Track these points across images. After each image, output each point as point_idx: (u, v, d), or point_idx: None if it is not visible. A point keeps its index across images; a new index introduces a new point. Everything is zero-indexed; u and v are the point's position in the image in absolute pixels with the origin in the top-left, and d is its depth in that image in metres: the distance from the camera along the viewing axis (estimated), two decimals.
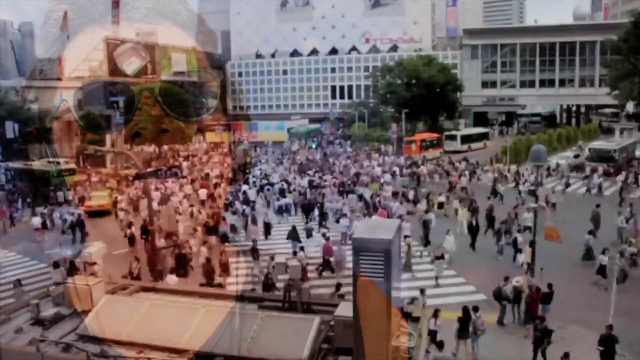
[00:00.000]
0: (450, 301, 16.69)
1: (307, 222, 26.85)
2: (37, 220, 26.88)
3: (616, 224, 23.18)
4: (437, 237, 23.32)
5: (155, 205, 27.90)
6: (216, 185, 34.83)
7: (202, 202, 31.35)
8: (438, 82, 62.30)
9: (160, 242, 21.19)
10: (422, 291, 14.78)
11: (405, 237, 21.66)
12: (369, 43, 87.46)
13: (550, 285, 15.86)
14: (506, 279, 16.06)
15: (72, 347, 7.74)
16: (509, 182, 37.00)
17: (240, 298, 9.47)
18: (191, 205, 28.88)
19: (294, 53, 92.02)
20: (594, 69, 70.84)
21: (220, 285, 16.28)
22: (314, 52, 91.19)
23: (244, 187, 34.64)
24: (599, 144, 45.78)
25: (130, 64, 61.67)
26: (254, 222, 25.96)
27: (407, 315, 8.38)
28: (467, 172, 39.76)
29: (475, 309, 14.25)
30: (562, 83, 73.76)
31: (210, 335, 7.60)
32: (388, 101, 66.66)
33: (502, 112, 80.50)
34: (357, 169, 42.12)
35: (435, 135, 56.85)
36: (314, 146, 61.95)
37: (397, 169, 42.42)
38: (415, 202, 30.30)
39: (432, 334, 12.65)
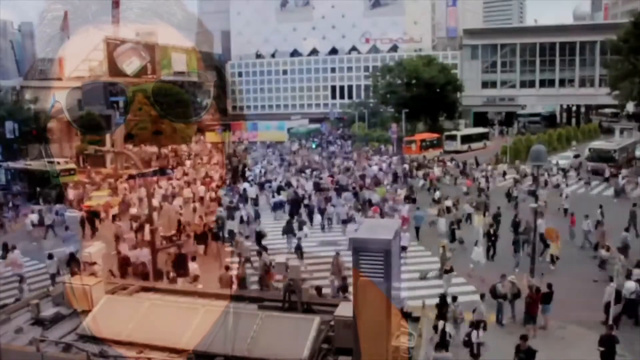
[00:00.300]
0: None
1: (291, 220, 25.26)
2: (34, 217, 27.32)
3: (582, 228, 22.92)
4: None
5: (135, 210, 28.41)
6: (209, 187, 34.53)
7: (201, 199, 31.96)
8: (438, 82, 62.33)
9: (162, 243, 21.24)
10: (454, 298, 15.00)
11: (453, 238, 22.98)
12: (369, 43, 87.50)
13: (550, 285, 15.85)
14: (503, 276, 16.07)
15: (72, 347, 7.73)
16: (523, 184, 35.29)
17: (240, 298, 9.46)
18: (194, 209, 29.06)
19: (294, 53, 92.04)
20: (594, 69, 70.87)
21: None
22: (314, 52, 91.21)
23: (245, 185, 35.18)
24: (599, 143, 45.75)
25: (129, 64, 61.74)
26: (258, 217, 26.67)
27: (407, 315, 8.38)
28: (483, 175, 38.06)
29: (454, 298, 14.90)
30: (562, 83, 73.80)
31: (210, 335, 7.60)
32: (388, 101, 66.71)
33: (500, 113, 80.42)
34: (360, 170, 41.08)
35: (435, 135, 56.88)
36: (314, 146, 61.98)
37: (400, 170, 41.28)
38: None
39: (470, 345, 12.79)
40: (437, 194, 31.50)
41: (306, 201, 30.28)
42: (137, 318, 8.21)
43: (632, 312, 15.34)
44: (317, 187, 34.29)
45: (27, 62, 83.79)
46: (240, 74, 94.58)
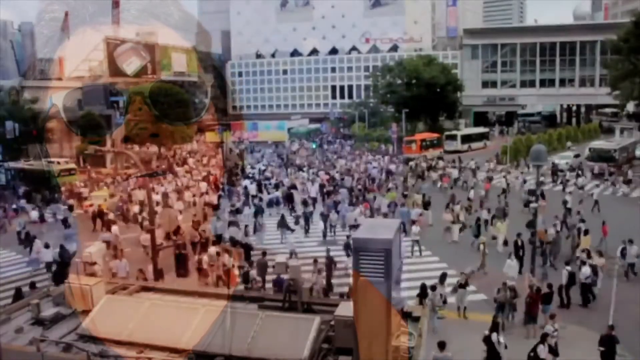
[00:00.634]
0: (450, 300, 16.65)
1: (283, 217, 26.14)
2: (35, 214, 28.93)
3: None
4: (457, 252, 21.88)
5: (137, 209, 28.46)
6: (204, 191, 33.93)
7: (194, 204, 31.89)
8: (438, 82, 62.28)
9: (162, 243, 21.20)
10: (433, 288, 15.08)
11: (476, 236, 22.29)
12: (369, 43, 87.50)
13: (550, 286, 15.87)
14: (504, 284, 15.55)
15: (73, 347, 7.74)
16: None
17: (241, 298, 9.46)
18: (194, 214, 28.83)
19: (294, 53, 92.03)
20: (594, 69, 70.84)
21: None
22: (314, 52, 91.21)
23: (245, 182, 36.27)
24: (599, 143, 45.75)
25: (129, 64, 61.82)
26: (261, 212, 27.47)
27: (407, 315, 8.38)
28: (503, 176, 36.13)
29: (433, 288, 15.25)
30: (562, 83, 73.77)
31: (211, 335, 7.60)
32: (388, 101, 66.69)
33: (497, 113, 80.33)
34: (362, 172, 40.20)
35: (436, 135, 56.84)
36: (314, 146, 62.02)
37: (404, 170, 40.45)
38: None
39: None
40: (457, 200, 28.41)
41: (310, 208, 28.53)
42: (137, 318, 8.21)
43: (585, 296, 16.94)
44: (324, 191, 32.65)
45: (27, 62, 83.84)
46: (240, 74, 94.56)
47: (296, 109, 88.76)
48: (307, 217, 26.61)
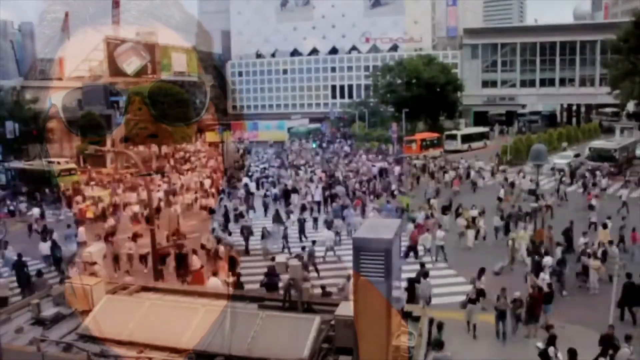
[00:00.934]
0: (450, 300, 16.66)
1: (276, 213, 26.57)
2: (36, 211, 29.73)
3: None
4: (469, 259, 20.80)
5: (137, 208, 28.45)
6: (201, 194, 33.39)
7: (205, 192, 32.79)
8: (438, 81, 62.29)
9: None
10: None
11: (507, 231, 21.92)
12: (369, 42, 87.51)
13: (550, 285, 15.87)
14: (503, 290, 15.01)
15: (73, 347, 7.74)
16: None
17: (241, 298, 9.46)
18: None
19: (294, 53, 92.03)
20: (594, 69, 70.82)
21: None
22: (314, 51, 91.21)
23: (245, 180, 36.91)
24: (600, 143, 45.69)
25: (129, 64, 61.82)
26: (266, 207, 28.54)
27: (407, 315, 8.38)
28: (521, 179, 34.29)
29: (425, 274, 15.82)
30: (562, 82, 73.74)
31: (211, 335, 7.61)
32: (388, 101, 66.68)
33: (491, 112, 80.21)
34: (367, 174, 38.99)
35: (436, 134, 56.83)
36: (314, 146, 62.04)
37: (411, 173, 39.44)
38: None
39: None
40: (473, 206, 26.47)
41: (315, 214, 27.72)
42: (137, 318, 8.21)
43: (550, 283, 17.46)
44: (329, 194, 31.00)
45: (27, 62, 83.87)
46: (240, 74, 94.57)
47: (296, 109, 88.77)
48: (302, 224, 25.02)
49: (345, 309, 7.36)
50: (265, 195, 32.05)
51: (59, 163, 40.65)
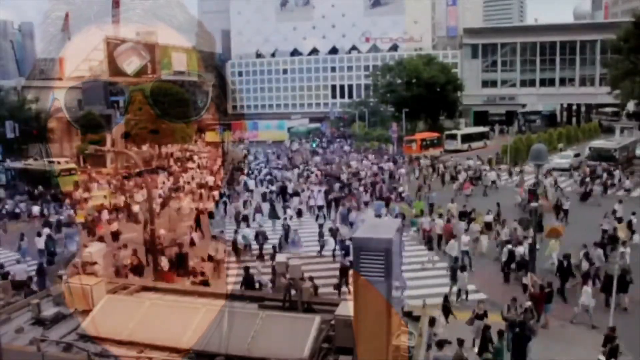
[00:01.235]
0: (451, 300, 16.65)
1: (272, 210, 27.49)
2: (36, 209, 30.02)
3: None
4: (483, 266, 20.27)
5: (138, 208, 28.42)
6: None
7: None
8: (438, 81, 62.31)
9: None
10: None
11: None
12: (369, 42, 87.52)
13: (549, 284, 15.88)
14: (514, 300, 14.50)
15: (73, 346, 7.74)
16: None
17: (241, 297, 9.46)
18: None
19: (294, 52, 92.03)
20: (594, 68, 70.79)
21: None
22: (314, 51, 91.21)
23: (244, 178, 37.48)
24: (600, 142, 45.70)
25: (129, 64, 61.80)
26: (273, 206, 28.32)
27: (407, 315, 8.38)
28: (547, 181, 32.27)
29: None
30: (562, 82, 73.72)
31: (211, 334, 7.60)
32: (388, 100, 66.71)
33: (495, 113, 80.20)
34: (372, 176, 37.49)
35: (436, 134, 56.83)
36: (314, 145, 62.07)
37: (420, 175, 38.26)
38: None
39: None
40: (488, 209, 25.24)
41: (321, 220, 26.17)
42: (137, 318, 8.21)
43: (519, 271, 18.57)
44: (332, 198, 29.78)
45: (27, 62, 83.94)
46: (240, 74, 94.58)
47: (296, 109, 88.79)
48: (287, 230, 23.37)
49: (345, 309, 7.36)
50: (264, 194, 32.27)
51: (59, 163, 40.65)
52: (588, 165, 39.19)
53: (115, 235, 23.72)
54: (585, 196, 30.29)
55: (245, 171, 42.95)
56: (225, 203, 30.09)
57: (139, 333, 7.87)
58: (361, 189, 32.66)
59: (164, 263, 18.56)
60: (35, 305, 8.86)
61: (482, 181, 35.51)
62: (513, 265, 18.97)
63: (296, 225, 25.44)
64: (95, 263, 17.79)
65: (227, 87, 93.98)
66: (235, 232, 23.50)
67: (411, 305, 9.83)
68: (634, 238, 20.79)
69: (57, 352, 7.67)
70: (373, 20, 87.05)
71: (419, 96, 60.97)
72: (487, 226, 22.89)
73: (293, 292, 8.72)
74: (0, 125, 46.28)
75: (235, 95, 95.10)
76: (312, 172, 40.36)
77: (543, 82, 74.30)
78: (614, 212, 24.25)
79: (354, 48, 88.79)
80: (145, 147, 54.01)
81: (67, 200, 32.16)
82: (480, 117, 74.36)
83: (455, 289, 17.54)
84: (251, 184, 36.05)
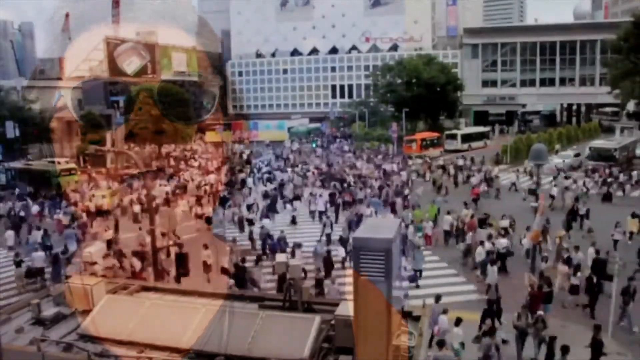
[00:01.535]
0: (451, 300, 16.64)
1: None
2: (35, 208, 30.77)
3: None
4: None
5: (137, 208, 28.51)
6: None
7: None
8: (438, 81, 62.31)
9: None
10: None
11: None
12: (369, 42, 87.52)
13: (549, 284, 15.88)
14: (524, 307, 14.08)
15: (73, 346, 7.74)
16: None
17: (241, 297, 9.46)
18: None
19: (294, 52, 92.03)
20: (594, 68, 70.79)
21: None
22: (314, 51, 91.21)
23: (242, 176, 38.18)
24: (600, 142, 45.72)
25: (130, 64, 61.78)
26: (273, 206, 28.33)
27: (407, 315, 8.38)
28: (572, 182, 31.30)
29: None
30: (562, 82, 73.71)
31: (211, 334, 7.60)
32: (388, 100, 66.71)
33: (495, 113, 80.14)
34: (381, 179, 35.82)
35: (436, 134, 56.85)
36: (313, 145, 62.05)
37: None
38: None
39: None
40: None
41: (328, 230, 24.09)
42: (137, 318, 8.21)
43: (502, 264, 19.14)
44: (337, 202, 28.69)
45: (27, 62, 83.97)
46: (240, 74, 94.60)
47: (296, 109, 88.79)
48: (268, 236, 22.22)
49: (345, 309, 7.36)
50: (266, 193, 32.44)
51: (59, 163, 40.65)
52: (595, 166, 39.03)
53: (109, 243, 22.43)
54: (606, 197, 30.02)
55: (248, 171, 43.00)
56: (229, 206, 29.34)
57: (139, 333, 7.87)
58: (367, 191, 31.39)
59: (136, 264, 18.53)
60: (35, 305, 8.86)
61: (493, 183, 34.07)
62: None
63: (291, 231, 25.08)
64: (95, 263, 17.84)
65: (227, 87, 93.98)
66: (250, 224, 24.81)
67: (411, 305, 9.81)
68: None
69: (57, 352, 7.67)
70: (373, 20, 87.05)
71: (419, 96, 60.98)
72: (505, 232, 21.62)
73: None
74: (0, 125, 46.31)
75: (235, 96, 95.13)
76: (308, 171, 40.32)
77: (543, 82, 74.30)
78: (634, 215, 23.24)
79: (354, 48, 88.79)
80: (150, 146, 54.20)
81: (67, 200, 32.20)
82: (480, 117, 74.36)
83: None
84: (249, 181, 36.66)
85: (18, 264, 19.38)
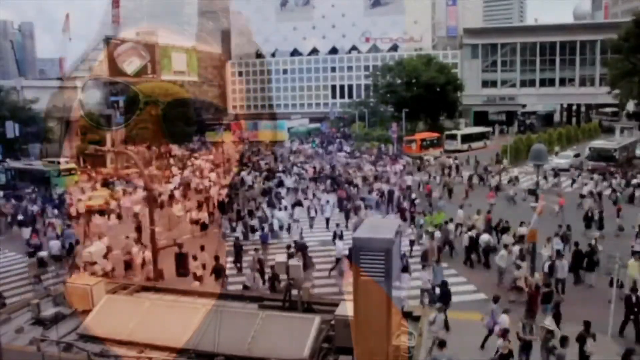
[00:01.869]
0: (456, 299, 16.61)
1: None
2: (35, 208, 31.04)
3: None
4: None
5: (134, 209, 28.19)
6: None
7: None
8: (438, 81, 62.32)
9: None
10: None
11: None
12: (369, 42, 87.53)
13: (549, 284, 15.88)
14: (531, 317, 13.54)
15: (73, 346, 7.74)
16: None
17: (241, 297, 9.46)
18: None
19: (294, 52, 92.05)
20: (594, 68, 70.79)
21: None
22: (314, 51, 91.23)
23: (242, 174, 38.02)
24: (600, 143, 45.70)
25: (130, 64, 61.86)
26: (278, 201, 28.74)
27: (407, 315, 8.38)
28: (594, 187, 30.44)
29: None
30: (562, 82, 73.69)
31: (211, 334, 7.60)
32: (388, 100, 66.69)
33: (495, 113, 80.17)
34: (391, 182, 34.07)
35: (436, 134, 56.84)
36: (313, 146, 62.02)
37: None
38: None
39: None
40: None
41: (336, 241, 21.09)
42: (137, 318, 8.21)
43: (485, 258, 20.16)
44: (346, 207, 27.37)
45: (27, 62, 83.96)
46: (240, 74, 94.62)
47: (296, 109, 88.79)
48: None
49: (345, 309, 7.37)
50: (270, 190, 32.80)
51: (59, 163, 40.63)
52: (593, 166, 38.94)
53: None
54: (631, 199, 29.66)
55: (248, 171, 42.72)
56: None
57: (139, 333, 7.87)
58: (374, 195, 29.97)
59: (108, 267, 18.56)
60: (35, 305, 8.87)
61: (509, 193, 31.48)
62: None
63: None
64: (95, 263, 17.83)
65: (227, 86, 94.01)
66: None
67: (411, 305, 9.81)
68: None
69: (57, 352, 7.66)
70: (373, 20, 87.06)
71: (419, 96, 60.97)
72: (521, 239, 19.74)
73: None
74: (0, 125, 46.29)
75: (235, 96, 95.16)
76: (305, 170, 39.91)
77: (543, 82, 74.28)
78: None
79: (354, 48, 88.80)
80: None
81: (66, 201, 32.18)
82: (480, 117, 74.37)
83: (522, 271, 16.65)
84: (248, 179, 36.49)
85: (31, 254, 20.25)
